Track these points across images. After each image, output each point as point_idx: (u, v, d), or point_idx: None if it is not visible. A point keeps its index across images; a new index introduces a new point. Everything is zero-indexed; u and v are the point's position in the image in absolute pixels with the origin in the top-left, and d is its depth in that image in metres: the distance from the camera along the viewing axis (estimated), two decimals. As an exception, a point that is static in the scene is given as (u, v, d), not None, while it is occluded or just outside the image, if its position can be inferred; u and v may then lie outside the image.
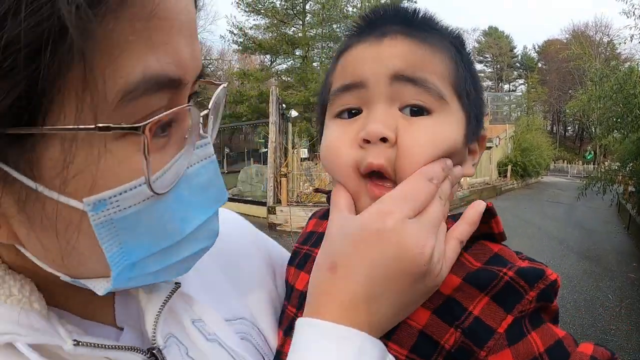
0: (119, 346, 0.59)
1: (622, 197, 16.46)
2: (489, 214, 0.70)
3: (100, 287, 0.55)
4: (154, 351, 0.63)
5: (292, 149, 15.55)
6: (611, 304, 7.14)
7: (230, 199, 18.89)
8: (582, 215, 16.87)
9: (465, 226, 0.67)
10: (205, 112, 0.58)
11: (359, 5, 43.15)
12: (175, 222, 0.55)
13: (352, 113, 0.73)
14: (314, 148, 32.37)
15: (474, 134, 0.77)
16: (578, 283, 8.16)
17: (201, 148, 0.58)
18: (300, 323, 0.64)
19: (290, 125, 16.67)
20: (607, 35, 62.13)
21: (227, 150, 36.66)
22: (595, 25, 65.41)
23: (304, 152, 16.83)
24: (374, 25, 0.76)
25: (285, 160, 14.78)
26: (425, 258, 0.60)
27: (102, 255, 0.50)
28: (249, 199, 18.00)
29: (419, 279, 0.61)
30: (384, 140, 0.67)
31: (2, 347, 0.51)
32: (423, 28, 0.74)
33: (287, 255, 0.99)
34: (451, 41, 0.76)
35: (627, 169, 12.12)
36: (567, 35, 69.07)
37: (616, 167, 13.22)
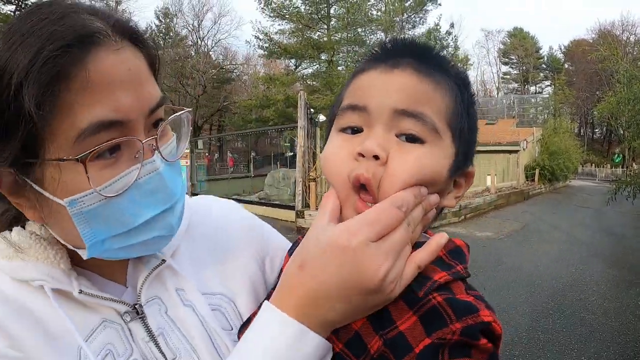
0: (112, 298, 0.85)
1: (652, 201, 16.32)
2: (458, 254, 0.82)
3: (84, 254, 0.81)
4: (136, 305, 0.88)
5: (321, 153, 15.65)
6: (642, 312, 7.13)
7: (258, 202, 19.13)
8: (611, 220, 16.69)
9: (425, 254, 0.75)
10: (154, 137, 0.80)
11: (382, 9, 43.15)
12: (128, 215, 0.77)
13: (355, 130, 0.82)
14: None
15: (460, 168, 0.84)
16: (607, 290, 8.15)
17: (150, 164, 0.78)
18: (265, 306, 0.78)
19: (318, 129, 16.84)
20: (634, 34, 61.18)
21: (253, 154, 36.89)
22: (621, 24, 64.22)
23: (332, 157, 16.93)
24: (389, 53, 0.85)
25: (314, 164, 14.94)
26: (378, 279, 0.69)
27: None
28: (276, 202, 18.22)
29: (370, 293, 0.71)
30: (376, 157, 0.75)
31: (36, 289, 0.80)
32: (432, 64, 0.82)
33: (286, 242, 1.19)
34: (455, 80, 0.84)
35: (659, 172, 11.95)
36: (593, 35, 67.93)
37: (647, 171, 13.12)
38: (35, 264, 0.81)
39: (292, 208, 14.63)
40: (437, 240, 0.77)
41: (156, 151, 0.79)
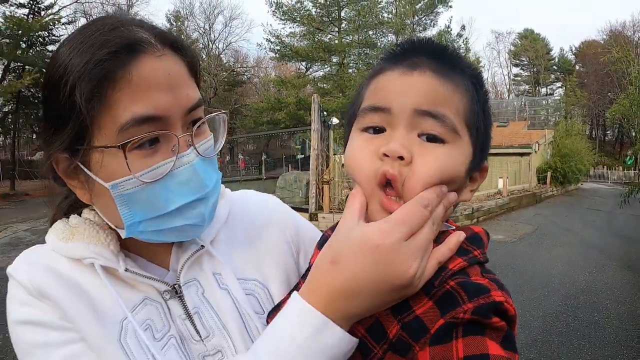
0: (153, 277, 0.95)
1: (665, 204, 16.26)
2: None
3: (123, 234, 0.91)
4: (175, 285, 0.98)
5: (334, 155, 15.74)
6: (656, 315, 7.12)
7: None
8: (623, 223, 16.58)
9: (445, 250, 0.80)
10: (189, 133, 0.90)
11: (393, 12, 43.15)
12: (162, 200, 0.87)
13: (377, 130, 0.85)
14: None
15: (477, 164, 0.89)
16: (620, 294, 8.12)
17: (185, 157, 0.88)
18: (294, 296, 0.82)
19: (331, 132, 16.88)
20: (646, 34, 60.61)
21: (264, 156, 36.99)
22: (632, 24, 63.58)
23: (344, 159, 17.00)
24: (407, 54, 0.87)
25: (327, 167, 15.01)
26: (409, 276, 0.74)
27: None
28: (289, 204, 18.21)
29: (399, 290, 0.76)
30: (400, 158, 0.79)
31: (87, 267, 0.92)
32: (449, 65, 0.84)
33: (320, 234, 1.22)
34: (471, 80, 0.87)
35: (671, 176, 11.90)
36: (604, 36, 67.33)
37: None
38: (88, 245, 0.93)
39: (305, 210, 14.61)
40: (457, 238, 0.82)
41: (192, 146, 0.89)
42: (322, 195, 14.17)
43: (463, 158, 0.84)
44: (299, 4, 41.99)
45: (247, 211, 1.19)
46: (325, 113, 17.30)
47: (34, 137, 45.67)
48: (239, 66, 62.62)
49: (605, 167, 54.81)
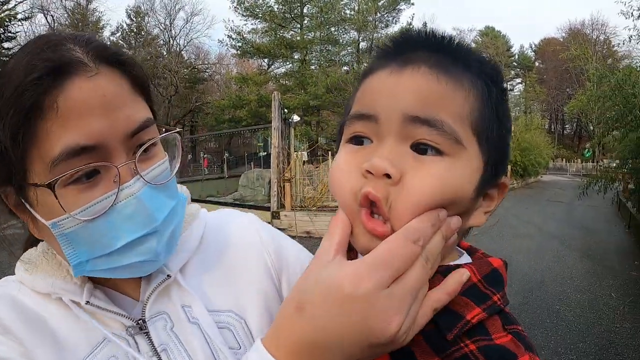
0: (117, 312, 0.85)
1: (622, 195, 16.59)
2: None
3: (73, 273, 0.82)
4: (139, 321, 0.86)
5: (295, 153, 15.64)
6: (614, 303, 7.21)
7: (232, 203, 19.00)
8: (582, 214, 16.96)
9: (442, 295, 0.65)
10: (132, 160, 0.78)
11: (356, 8, 43.35)
12: (108, 238, 0.77)
13: (363, 140, 0.72)
14: (313, 152, 32.35)
15: (490, 180, 0.72)
16: (580, 282, 8.25)
17: (127, 188, 0.77)
18: (257, 343, 0.69)
19: (292, 129, 16.77)
20: (604, 33, 62.32)
21: (226, 154, 36.73)
22: (591, 23, 65.46)
23: (305, 156, 16.90)
24: (401, 49, 0.74)
25: (289, 165, 14.88)
26: (389, 334, 0.59)
27: None
28: (251, 203, 18.08)
29: (379, 347, 0.62)
30: (387, 176, 0.64)
31: (55, 300, 0.84)
32: (452, 58, 0.70)
33: (305, 254, 1.11)
34: (482, 76, 0.71)
35: (627, 167, 12.25)
36: (563, 34, 69.29)
37: (616, 166, 13.34)
38: (49, 278, 0.85)
39: (267, 209, 14.50)
40: (457, 278, 0.66)
41: (137, 175, 0.78)
42: (284, 194, 14.00)
43: (469, 173, 0.67)
44: (261, 0, 41.88)
45: (222, 234, 1.06)
46: (286, 110, 17.18)
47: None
48: (200, 63, 62.09)
49: (564, 160, 56.26)
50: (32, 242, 0.93)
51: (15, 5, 32.62)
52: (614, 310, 6.87)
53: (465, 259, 0.76)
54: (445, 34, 0.74)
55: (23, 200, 0.79)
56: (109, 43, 0.86)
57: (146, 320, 0.87)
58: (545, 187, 30.45)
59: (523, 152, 30.55)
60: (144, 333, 0.86)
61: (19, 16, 32.47)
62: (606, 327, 6.18)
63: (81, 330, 0.83)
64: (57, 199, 0.72)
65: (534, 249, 10.91)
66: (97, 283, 0.88)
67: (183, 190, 1.00)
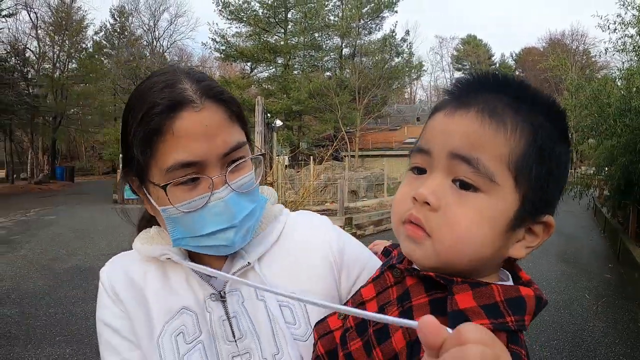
0: (209, 274, 1.08)
1: (597, 201, 16.89)
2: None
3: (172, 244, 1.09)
4: (221, 292, 1.09)
5: (277, 157, 15.70)
6: (588, 303, 7.43)
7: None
8: (559, 219, 15.68)
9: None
10: (223, 174, 1.03)
11: (340, 15, 43.53)
12: (198, 226, 1.03)
13: (421, 170, 0.82)
14: (295, 156, 32.40)
15: (529, 217, 0.78)
16: (557, 284, 8.45)
17: (217, 193, 1.01)
18: None
19: (275, 134, 16.84)
20: (583, 43, 63.19)
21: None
22: (571, 34, 66.29)
23: (286, 160, 16.97)
24: (462, 91, 0.83)
25: (271, 169, 14.94)
26: None
27: None
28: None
29: None
30: (427, 203, 0.75)
31: (162, 262, 1.14)
32: (506, 101, 0.77)
33: (367, 254, 1.25)
34: (533, 118, 0.77)
35: (603, 174, 12.49)
36: (544, 44, 70.05)
37: (592, 172, 13.59)
38: (161, 247, 1.13)
39: (249, 211, 14.49)
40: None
41: (226, 184, 1.02)
42: (266, 197, 14.02)
43: (502, 208, 0.75)
44: (246, 4, 41.93)
45: (298, 232, 1.23)
46: (269, 115, 17.25)
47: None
48: (183, 65, 61.83)
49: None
50: (144, 225, 1.24)
51: (0, 1, 32.20)
52: (587, 310, 7.09)
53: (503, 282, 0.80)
54: (506, 76, 0.82)
55: (144, 189, 1.08)
56: (214, 81, 1.10)
57: (226, 292, 1.09)
58: None
59: None
60: (222, 302, 1.08)
61: (4, 13, 32.01)
62: (580, 325, 6.37)
63: (167, 300, 1.09)
64: (167, 195, 1.00)
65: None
66: (193, 260, 1.13)
67: (270, 191, 1.26)
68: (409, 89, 74.78)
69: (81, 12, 49.41)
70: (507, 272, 0.86)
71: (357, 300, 0.91)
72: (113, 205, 22.67)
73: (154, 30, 59.57)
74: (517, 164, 0.74)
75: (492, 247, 0.76)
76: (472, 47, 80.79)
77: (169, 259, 1.11)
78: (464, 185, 0.75)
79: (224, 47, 43.23)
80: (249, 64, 45.98)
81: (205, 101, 1.00)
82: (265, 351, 1.04)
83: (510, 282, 0.82)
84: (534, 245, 0.81)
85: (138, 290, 1.13)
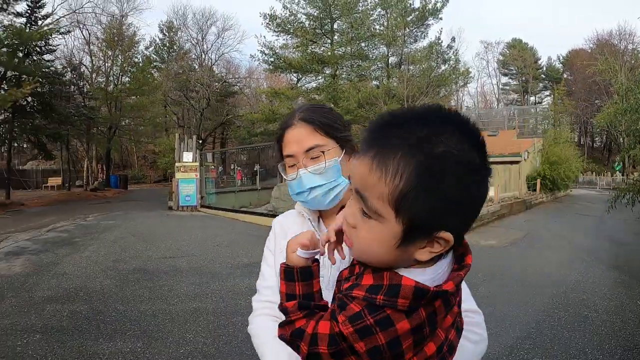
0: (317, 232, 1.72)
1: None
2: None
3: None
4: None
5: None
6: (640, 309, 7.53)
7: (265, 214, 19.47)
8: (611, 227, 16.89)
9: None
10: (304, 163, 1.66)
11: (385, 24, 43.56)
12: (292, 189, 1.71)
13: None
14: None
15: (412, 240, 0.92)
16: (608, 291, 8.45)
17: (299, 172, 1.66)
18: None
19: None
20: (632, 42, 61.11)
21: (257, 167, 37.19)
22: (619, 33, 63.91)
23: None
24: (370, 132, 0.98)
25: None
26: None
27: None
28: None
29: None
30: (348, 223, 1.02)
31: (302, 215, 1.81)
32: (396, 145, 0.89)
33: None
34: (418, 158, 0.87)
35: (656, 180, 11.98)
36: (591, 45, 67.85)
37: (644, 178, 13.35)
38: (303, 206, 1.77)
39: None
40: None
41: (305, 167, 1.64)
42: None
43: (387, 235, 0.93)
44: (292, 17, 42.40)
45: None
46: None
47: (24, 146, 45.65)
48: (231, 77, 62.92)
49: (594, 173, 54.90)
50: None
51: (58, 19, 33.41)
52: (639, 316, 7.10)
53: (415, 273, 0.96)
54: (415, 115, 0.94)
55: (280, 162, 1.74)
56: (315, 111, 1.72)
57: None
58: (575, 201, 30.10)
59: (552, 165, 30.27)
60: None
61: (61, 30, 33.27)
62: (631, 331, 6.39)
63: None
64: (279, 172, 1.77)
65: (563, 260, 11.12)
66: (321, 217, 1.79)
67: None
68: (455, 96, 73.58)
69: (132, 28, 50.92)
70: (453, 257, 1.04)
71: (338, 278, 1.14)
72: (169, 212, 23.45)
73: (202, 44, 60.83)
74: (396, 202, 0.88)
75: (388, 257, 0.95)
76: (517, 51, 78.85)
77: (303, 214, 1.75)
78: (364, 214, 0.95)
79: (272, 59, 43.83)
80: (296, 74, 46.49)
81: (298, 122, 1.65)
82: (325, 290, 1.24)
83: (427, 271, 0.97)
84: (437, 252, 0.94)
85: (285, 231, 1.76)
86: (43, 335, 6.26)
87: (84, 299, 8.05)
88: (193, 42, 61.19)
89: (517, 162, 29.05)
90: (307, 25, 42.52)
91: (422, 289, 0.90)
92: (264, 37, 45.59)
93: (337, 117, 1.74)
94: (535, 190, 28.65)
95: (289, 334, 1.05)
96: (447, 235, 0.91)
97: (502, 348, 5.68)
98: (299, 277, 1.10)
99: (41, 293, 8.43)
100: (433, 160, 0.87)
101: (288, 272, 1.12)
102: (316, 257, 1.16)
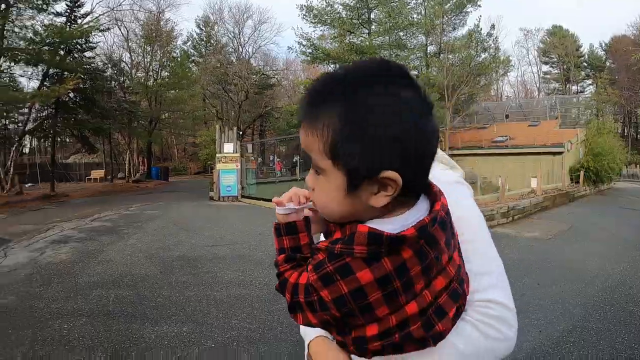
0: None
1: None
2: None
3: None
4: None
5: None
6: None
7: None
8: None
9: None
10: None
11: (423, 13, 43.25)
12: None
13: None
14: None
15: (359, 183, 0.96)
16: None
17: None
18: None
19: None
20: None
21: (296, 158, 37.41)
22: (663, 17, 61.67)
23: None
24: (305, 104, 1.03)
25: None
26: None
27: None
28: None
29: None
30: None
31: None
32: (317, 107, 0.98)
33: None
34: (338, 108, 0.94)
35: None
36: (634, 31, 65.96)
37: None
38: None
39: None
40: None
41: None
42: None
43: (335, 184, 0.99)
44: (329, 7, 42.45)
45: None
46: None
47: (67, 141, 46.96)
48: (269, 69, 63.28)
49: (638, 166, 53.43)
50: None
51: (97, 17, 34.18)
52: None
53: (382, 222, 0.99)
54: (313, 89, 1.02)
55: None
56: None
57: None
58: (619, 194, 29.35)
59: (595, 157, 29.48)
60: None
61: (101, 27, 34.05)
62: None
63: None
64: None
65: (608, 254, 10.95)
66: None
67: (444, 158, 1.47)
68: (495, 85, 72.38)
69: (170, 23, 51.78)
70: (422, 205, 1.05)
71: (327, 232, 1.15)
72: (210, 202, 23.84)
73: (239, 37, 61.42)
74: (331, 152, 0.96)
75: (344, 209, 1.00)
76: (558, 39, 76.83)
77: None
78: (317, 172, 1.03)
79: (310, 50, 43.96)
80: (333, 65, 46.44)
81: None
82: None
83: (390, 220, 1.00)
84: (391, 194, 0.96)
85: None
86: (89, 319, 6.47)
87: (129, 285, 8.26)
88: (230, 35, 62.07)
89: (559, 153, 28.62)
90: (344, 16, 42.54)
91: (375, 234, 0.92)
92: (301, 28, 45.69)
93: None
94: (578, 182, 28.06)
95: (278, 285, 1.11)
96: (391, 174, 0.93)
97: (548, 340, 5.69)
98: (284, 232, 1.12)
99: (87, 279, 8.71)
100: (354, 105, 0.92)
101: (277, 229, 1.14)
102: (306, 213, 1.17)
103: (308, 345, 1.29)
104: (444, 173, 1.36)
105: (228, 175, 24.52)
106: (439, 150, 1.24)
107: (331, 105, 0.94)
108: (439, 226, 1.00)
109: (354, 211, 0.99)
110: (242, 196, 24.68)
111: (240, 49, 60.97)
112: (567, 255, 10.75)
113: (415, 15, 43.51)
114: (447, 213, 1.06)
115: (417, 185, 1.02)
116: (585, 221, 16.56)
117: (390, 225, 0.96)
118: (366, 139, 0.91)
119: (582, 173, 27.98)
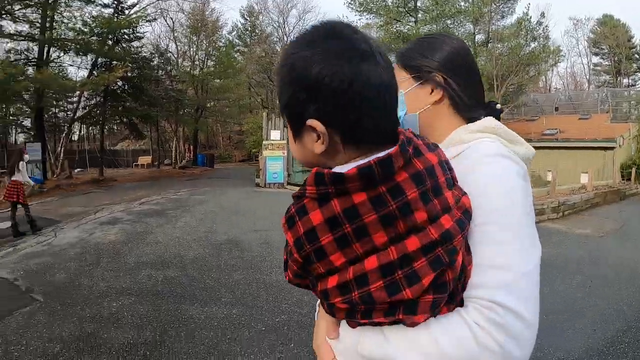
0: None
1: None
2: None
3: None
4: None
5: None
6: None
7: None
8: None
9: None
10: None
11: (471, 1, 42.59)
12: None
13: None
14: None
15: (298, 127, 1.02)
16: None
17: None
18: None
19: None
20: None
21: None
22: None
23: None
24: None
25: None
26: None
27: None
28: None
29: None
30: None
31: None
32: (286, 75, 1.01)
33: None
34: (286, 69, 1.00)
35: None
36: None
37: None
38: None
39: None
40: None
41: None
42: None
43: (291, 136, 1.07)
44: (375, -5, 42.11)
45: (466, 161, 1.22)
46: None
47: (115, 129, 48.19)
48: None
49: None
50: None
51: (145, 7, 34.77)
52: None
53: (341, 167, 1.00)
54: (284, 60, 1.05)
55: None
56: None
57: None
58: None
59: None
60: None
61: (148, 17, 34.66)
62: None
63: None
64: None
65: None
66: None
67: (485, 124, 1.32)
68: (544, 77, 70.15)
69: (215, 13, 52.29)
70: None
71: None
72: (256, 188, 24.15)
73: (284, 27, 61.63)
74: (281, 107, 1.04)
75: (300, 154, 1.07)
76: (609, 29, 74.74)
77: None
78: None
79: (356, 39, 43.77)
80: (379, 54, 46.22)
81: None
82: None
83: (348, 165, 0.99)
84: (322, 141, 0.99)
85: None
86: (138, 298, 6.66)
87: (178, 266, 8.43)
88: (274, 25, 62.24)
89: (611, 149, 27.92)
90: (390, 4, 42.13)
91: (318, 173, 0.95)
92: (347, 17, 45.20)
93: (418, 44, 1.45)
94: (629, 179, 27.24)
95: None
96: (312, 122, 0.96)
97: (602, 340, 5.61)
98: None
99: (135, 259, 8.93)
100: (283, 66, 1.01)
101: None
102: None
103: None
104: (488, 144, 1.24)
105: (275, 162, 24.80)
106: (498, 125, 1.30)
107: (281, 69, 1.02)
108: (412, 179, 0.96)
109: (311, 158, 1.03)
110: (289, 183, 24.88)
111: (285, 39, 61.00)
112: (619, 254, 10.49)
113: (462, 3, 42.80)
114: (431, 170, 1.01)
115: (367, 133, 0.98)
116: (638, 220, 16.16)
117: (346, 168, 0.95)
118: (289, 90, 0.99)
119: (634, 170, 27.16)
